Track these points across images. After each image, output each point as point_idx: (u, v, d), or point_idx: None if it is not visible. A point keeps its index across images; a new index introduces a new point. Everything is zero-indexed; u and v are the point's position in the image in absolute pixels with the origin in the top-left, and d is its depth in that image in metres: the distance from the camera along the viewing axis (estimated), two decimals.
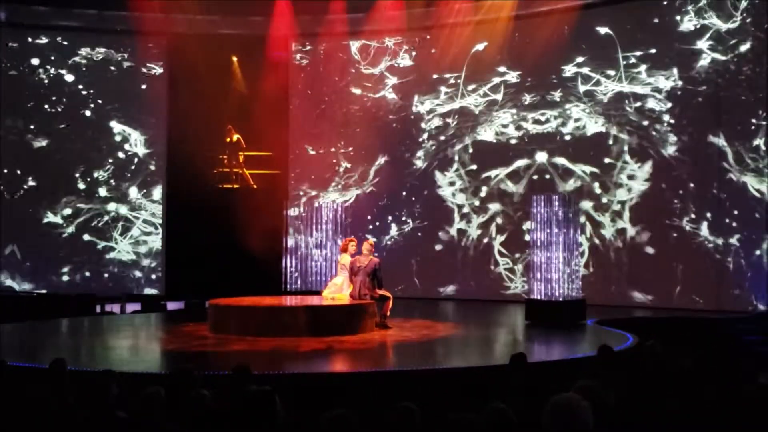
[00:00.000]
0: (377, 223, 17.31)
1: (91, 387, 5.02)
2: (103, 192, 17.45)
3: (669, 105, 14.47)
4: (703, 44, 14.14)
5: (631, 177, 14.88)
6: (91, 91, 17.39)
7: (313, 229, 15.13)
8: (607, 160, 15.13)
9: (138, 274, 17.50)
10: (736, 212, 13.68)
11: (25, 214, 17.14)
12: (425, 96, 17.16)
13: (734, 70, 13.83)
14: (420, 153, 17.17)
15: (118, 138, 17.53)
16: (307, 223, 15.16)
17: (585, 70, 15.39)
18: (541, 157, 15.85)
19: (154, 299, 15.73)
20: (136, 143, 17.55)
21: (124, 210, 17.49)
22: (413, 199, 17.21)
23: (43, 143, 17.25)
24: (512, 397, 4.63)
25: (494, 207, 16.36)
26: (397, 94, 17.35)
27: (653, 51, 14.65)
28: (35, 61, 17.40)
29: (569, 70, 15.51)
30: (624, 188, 14.95)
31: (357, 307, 10.66)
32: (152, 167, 17.60)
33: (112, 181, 17.49)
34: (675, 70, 14.41)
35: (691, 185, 14.23)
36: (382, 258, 12.06)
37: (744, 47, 13.71)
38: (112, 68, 17.55)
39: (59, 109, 17.36)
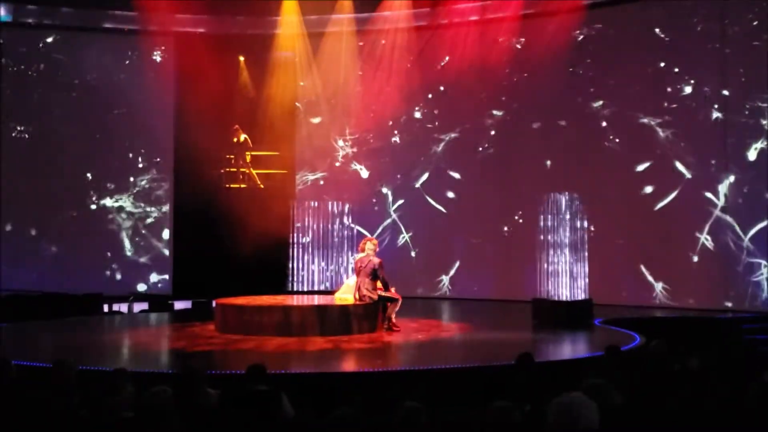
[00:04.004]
0: (384, 223, 17.31)
1: (100, 386, 5.04)
2: (109, 192, 17.47)
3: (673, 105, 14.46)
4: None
5: (635, 178, 14.84)
6: (96, 91, 17.34)
7: (320, 228, 15.14)
8: (610, 161, 15.10)
9: (145, 273, 17.51)
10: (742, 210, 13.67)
11: (30, 214, 17.18)
12: (432, 97, 17.14)
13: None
14: (423, 153, 17.15)
15: (123, 138, 17.52)
16: (315, 222, 15.17)
17: (588, 73, 15.38)
18: (547, 160, 15.85)
19: (161, 299, 15.76)
20: (143, 142, 17.57)
21: (130, 209, 17.52)
22: (419, 198, 17.19)
23: (48, 145, 17.24)
24: (519, 396, 4.64)
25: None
26: (404, 95, 17.28)
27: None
28: (37, 61, 17.45)
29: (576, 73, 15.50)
30: (631, 189, 14.91)
31: (364, 307, 10.66)
32: (159, 166, 17.61)
33: (118, 180, 17.51)
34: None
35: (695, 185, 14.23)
36: (385, 257, 11.84)
37: None
38: (118, 68, 17.53)
39: (63, 110, 17.37)
